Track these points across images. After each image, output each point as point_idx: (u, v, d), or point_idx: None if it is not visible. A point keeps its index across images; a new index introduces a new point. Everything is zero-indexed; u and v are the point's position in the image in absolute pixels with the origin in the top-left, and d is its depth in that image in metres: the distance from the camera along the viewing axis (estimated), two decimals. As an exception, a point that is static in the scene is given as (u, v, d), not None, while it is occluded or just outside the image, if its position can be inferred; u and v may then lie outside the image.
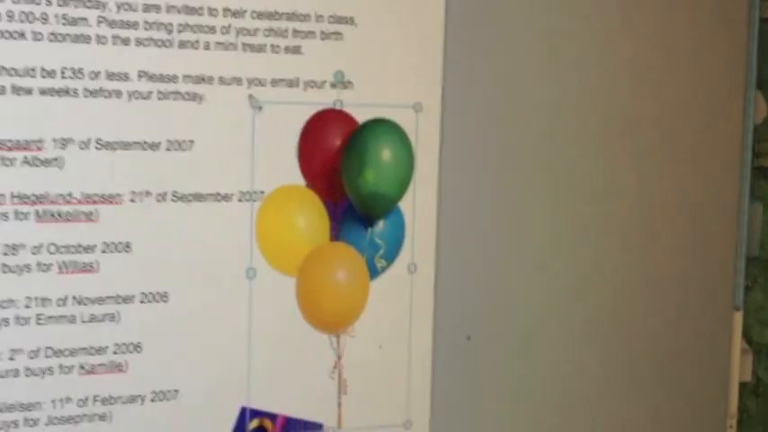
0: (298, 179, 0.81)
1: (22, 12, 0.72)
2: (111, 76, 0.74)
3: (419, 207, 0.86)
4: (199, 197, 0.78)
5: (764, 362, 1.07)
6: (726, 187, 1.00)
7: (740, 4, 0.99)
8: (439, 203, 0.87)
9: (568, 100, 0.92)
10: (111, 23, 0.74)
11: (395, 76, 0.84)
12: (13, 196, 0.72)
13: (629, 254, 0.96)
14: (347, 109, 0.82)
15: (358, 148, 0.82)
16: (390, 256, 0.85)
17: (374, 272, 0.84)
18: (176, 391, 0.79)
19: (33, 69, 0.72)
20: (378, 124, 0.83)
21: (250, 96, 0.79)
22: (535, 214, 0.91)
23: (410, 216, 0.86)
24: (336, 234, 0.83)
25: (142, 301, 0.77)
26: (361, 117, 0.83)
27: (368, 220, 0.84)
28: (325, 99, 0.82)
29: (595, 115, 0.93)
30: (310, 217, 0.82)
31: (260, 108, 0.79)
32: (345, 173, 0.82)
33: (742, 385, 1.04)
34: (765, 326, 1.07)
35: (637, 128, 0.95)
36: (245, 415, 0.81)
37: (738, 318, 1.02)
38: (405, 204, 0.85)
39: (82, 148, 0.74)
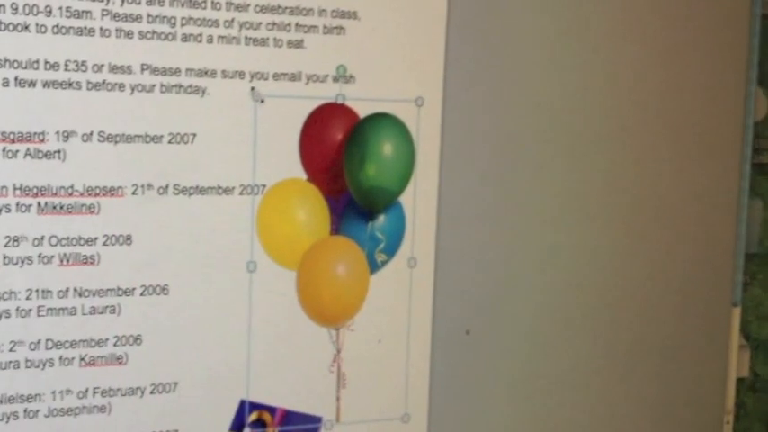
0: (299, 173, 0.81)
1: (26, 4, 0.72)
2: (114, 68, 0.74)
3: (420, 201, 0.86)
4: (200, 190, 0.78)
5: (762, 358, 1.08)
6: (726, 183, 1.00)
7: (742, 1, 0.99)
8: (439, 198, 0.87)
9: (569, 94, 0.92)
10: (115, 16, 0.74)
11: (397, 70, 0.84)
12: (15, 188, 0.72)
13: (629, 249, 0.96)
14: (349, 103, 0.83)
15: (359, 142, 0.82)
16: (390, 251, 0.85)
17: (374, 266, 0.85)
18: (176, 383, 0.79)
19: (37, 62, 0.72)
20: (379, 118, 0.83)
21: (252, 90, 0.79)
22: (535, 209, 0.92)
23: (410, 210, 0.86)
24: (337, 228, 0.83)
25: (143, 294, 0.77)
26: (362, 111, 0.83)
27: (368, 214, 0.84)
28: (327, 93, 0.82)
29: (595, 111, 0.93)
30: (311, 211, 0.82)
31: (262, 102, 0.79)
32: (347, 167, 0.82)
33: (739, 381, 1.04)
34: (763, 322, 1.07)
35: (637, 123, 0.95)
36: (244, 408, 0.81)
37: (737, 313, 1.02)
38: (405, 198, 0.85)
39: (84, 141, 0.74)
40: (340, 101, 0.82)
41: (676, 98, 0.96)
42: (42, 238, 0.74)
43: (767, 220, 1.07)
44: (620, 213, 0.95)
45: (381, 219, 0.84)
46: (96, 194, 0.75)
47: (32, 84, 0.72)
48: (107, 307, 0.76)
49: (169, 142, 0.77)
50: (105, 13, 0.74)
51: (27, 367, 0.74)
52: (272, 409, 0.82)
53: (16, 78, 0.72)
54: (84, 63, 0.74)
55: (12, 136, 0.72)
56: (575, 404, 0.95)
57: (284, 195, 0.81)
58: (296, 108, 0.81)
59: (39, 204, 0.73)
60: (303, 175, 0.81)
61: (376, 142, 0.83)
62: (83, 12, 0.73)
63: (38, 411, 0.75)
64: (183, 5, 0.76)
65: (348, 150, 0.82)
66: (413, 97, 0.85)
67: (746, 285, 1.05)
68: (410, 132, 0.85)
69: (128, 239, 0.76)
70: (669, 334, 0.99)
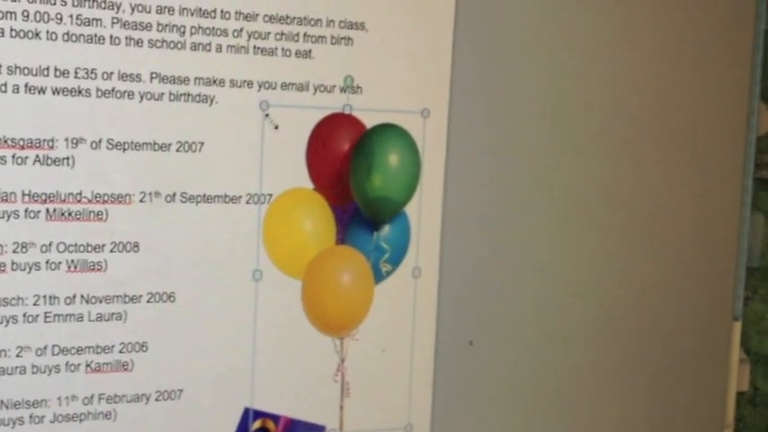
0: (306, 182, 0.82)
1: (38, 12, 0.72)
2: (123, 76, 0.75)
3: (425, 212, 0.86)
4: (207, 198, 0.78)
5: (762, 372, 1.08)
6: (728, 198, 1.00)
7: (745, 16, 1.00)
8: (444, 208, 0.87)
9: (573, 107, 0.92)
10: (125, 24, 0.75)
11: (403, 81, 0.85)
12: (24, 194, 0.73)
13: (631, 262, 0.96)
14: (356, 113, 0.83)
15: (366, 153, 0.82)
16: (395, 261, 0.85)
17: (379, 276, 0.85)
18: (180, 390, 0.79)
19: (47, 69, 0.73)
20: (386, 130, 0.84)
21: (267, 116, 0.79)
22: (538, 221, 0.92)
23: (415, 220, 0.86)
24: (343, 237, 0.83)
25: (149, 301, 0.77)
26: (369, 122, 0.83)
27: (374, 224, 0.84)
28: (334, 103, 0.82)
29: (600, 125, 0.93)
30: (317, 220, 0.83)
31: (276, 128, 0.80)
32: (353, 177, 0.82)
33: (739, 394, 1.05)
34: (764, 336, 1.08)
35: (641, 137, 0.95)
36: (248, 416, 0.81)
37: (737, 328, 1.02)
38: (410, 209, 0.86)
39: (93, 148, 0.74)
40: (347, 111, 0.82)
41: (679, 113, 0.97)
42: (50, 244, 0.74)
43: (769, 235, 1.07)
44: (623, 226, 0.96)
45: (387, 229, 0.85)
46: (104, 201, 0.75)
47: (42, 90, 0.73)
48: (113, 314, 0.76)
49: (177, 150, 0.77)
50: (115, 21, 0.74)
51: (33, 373, 0.74)
52: (275, 418, 0.82)
53: (26, 85, 0.72)
54: (93, 70, 0.74)
55: (21, 142, 0.72)
56: (576, 415, 0.95)
57: (291, 205, 0.81)
58: (303, 118, 0.81)
59: (47, 211, 0.73)
60: (310, 185, 0.82)
61: (382, 153, 0.83)
62: (93, 20, 0.74)
63: (43, 417, 0.75)
64: (192, 14, 0.77)
65: (355, 161, 0.82)
66: (419, 108, 0.85)
67: (747, 300, 1.05)
68: (416, 143, 0.85)
69: (135, 247, 0.76)
70: (670, 347, 0.99)
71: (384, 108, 0.84)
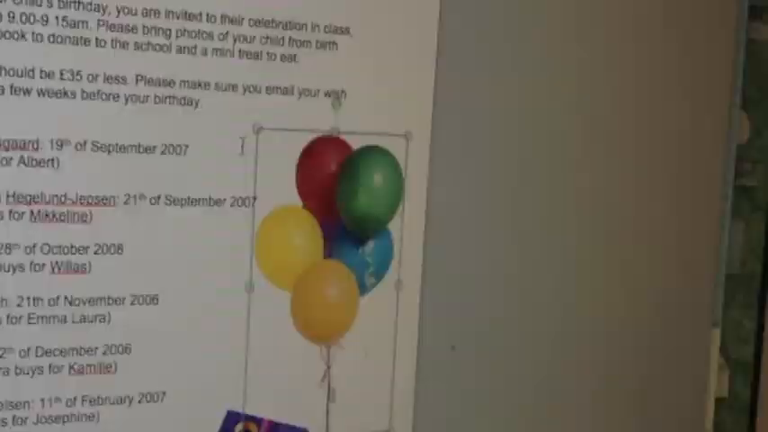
0: (290, 186, 0.82)
1: (23, 13, 0.72)
2: (109, 79, 0.75)
3: (407, 228, 0.87)
4: (192, 201, 0.78)
5: (741, 378, 1.08)
6: (708, 206, 1.01)
7: (728, 25, 1.01)
8: (426, 226, 0.88)
9: (555, 127, 0.93)
10: (111, 27, 0.74)
11: (387, 106, 0.85)
12: (8, 196, 0.72)
13: (612, 270, 0.97)
14: (342, 136, 0.83)
15: (352, 174, 0.84)
16: (379, 274, 0.86)
17: (364, 288, 0.85)
18: (164, 392, 0.79)
19: (32, 70, 0.72)
20: (371, 152, 0.85)
21: (245, 104, 0.80)
22: (519, 232, 0.93)
23: (398, 236, 0.87)
24: (330, 252, 0.84)
25: (132, 303, 0.77)
26: (355, 144, 0.84)
27: (359, 240, 0.85)
28: (318, 108, 0.82)
29: (582, 137, 0.94)
30: (306, 235, 0.83)
31: (257, 125, 0.80)
32: (339, 196, 0.83)
33: (718, 400, 1.05)
34: (742, 343, 1.08)
35: (622, 146, 0.96)
36: (230, 418, 0.81)
37: (716, 334, 1.03)
38: (393, 225, 0.86)
39: (78, 150, 0.74)
40: (334, 134, 0.83)
41: (660, 121, 0.97)
42: (34, 245, 0.74)
43: (748, 242, 1.08)
44: (605, 234, 0.96)
45: (371, 244, 0.86)
46: (89, 203, 0.75)
47: (28, 92, 0.73)
48: (97, 316, 0.76)
49: (162, 153, 0.77)
50: (101, 23, 0.74)
51: (17, 374, 0.74)
52: (258, 420, 0.82)
53: (12, 86, 0.72)
54: (79, 72, 0.74)
55: (6, 143, 0.72)
56: (556, 420, 0.96)
57: (281, 221, 0.82)
58: (287, 121, 0.81)
59: (32, 212, 0.73)
60: (294, 189, 0.82)
61: (367, 175, 0.84)
62: (79, 22, 0.74)
63: (26, 418, 0.75)
64: (178, 18, 0.77)
65: (341, 181, 0.83)
66: (402, 131, 0.86)
67: (726, 306, 1.06)
68: (399, 165, 0.86)
69: (119, 249, 0.76)
70: (651, 353, 1.00)
71: (368, 131, 0.84)
